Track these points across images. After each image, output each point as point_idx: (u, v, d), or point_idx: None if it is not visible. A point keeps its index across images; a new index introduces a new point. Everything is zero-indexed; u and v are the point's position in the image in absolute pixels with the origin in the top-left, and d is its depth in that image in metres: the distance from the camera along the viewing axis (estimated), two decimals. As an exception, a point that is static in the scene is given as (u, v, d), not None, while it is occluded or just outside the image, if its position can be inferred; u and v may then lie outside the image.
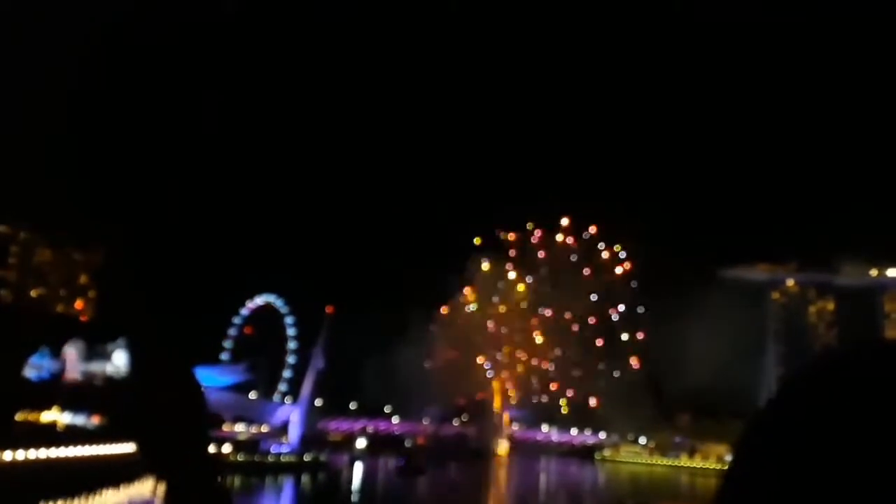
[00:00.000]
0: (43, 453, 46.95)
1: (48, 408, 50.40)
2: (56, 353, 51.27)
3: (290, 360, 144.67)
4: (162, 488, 47.83)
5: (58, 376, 49.30)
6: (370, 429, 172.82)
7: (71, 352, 51.25)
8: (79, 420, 54.87)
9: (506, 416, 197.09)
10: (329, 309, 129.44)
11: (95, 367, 53.14)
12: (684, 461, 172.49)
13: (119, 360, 52.44)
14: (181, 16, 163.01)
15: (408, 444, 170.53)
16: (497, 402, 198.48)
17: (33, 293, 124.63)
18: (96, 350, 52.34)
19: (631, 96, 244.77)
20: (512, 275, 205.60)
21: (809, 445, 1.54)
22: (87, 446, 50.59)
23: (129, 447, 50.97)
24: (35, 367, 49.60)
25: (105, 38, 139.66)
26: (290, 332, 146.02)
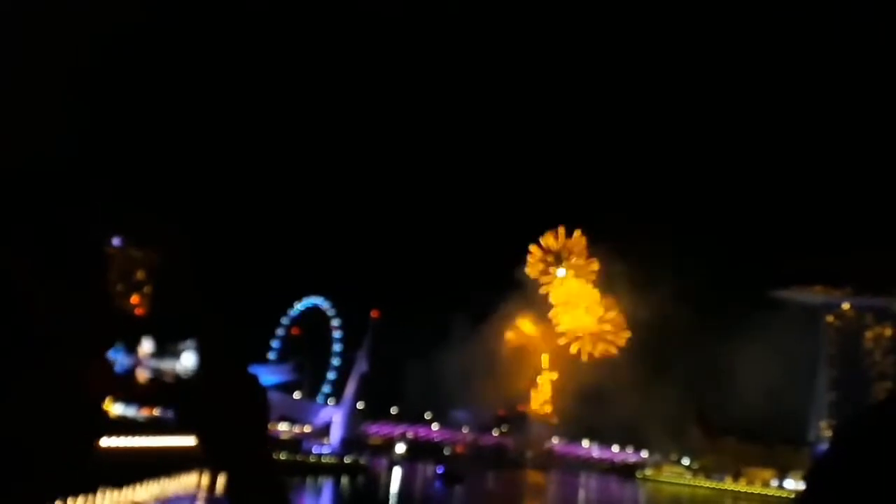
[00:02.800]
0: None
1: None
2: (131, 349, 53.43)
3: (335, 362, 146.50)
4: (209, 481, 49.09)
5: (130, 372, 51.26)
6: (410, 434, 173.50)
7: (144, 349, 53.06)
8: (129, 412, 56.61)
9: (546, 429, 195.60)
10: (374, 313, 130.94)
11: (166, 364, 55.24)
12: (729, 484, 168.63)
13: (188, 360, 54.38)
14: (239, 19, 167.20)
15: (447, 451, 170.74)
16: (537, 415, 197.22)
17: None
18: (167, 348, 54.55)
19: (687, 117, 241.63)
20: (561, 271, 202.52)
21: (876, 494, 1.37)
22: (134, 437, 52.11)
23: (174, 440, 52.37)
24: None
25: (187, 39, 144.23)
26: (336, 334, 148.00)
